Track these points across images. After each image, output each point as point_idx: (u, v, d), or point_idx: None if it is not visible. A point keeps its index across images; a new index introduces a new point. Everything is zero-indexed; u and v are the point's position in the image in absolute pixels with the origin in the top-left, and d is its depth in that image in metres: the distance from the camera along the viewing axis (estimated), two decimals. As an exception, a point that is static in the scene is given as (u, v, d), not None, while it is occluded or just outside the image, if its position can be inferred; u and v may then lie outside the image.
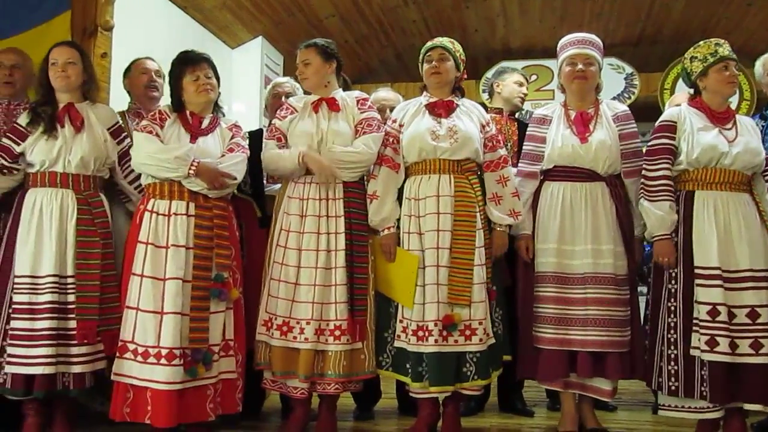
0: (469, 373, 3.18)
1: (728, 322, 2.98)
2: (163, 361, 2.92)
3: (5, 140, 3.19)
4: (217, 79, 3.28)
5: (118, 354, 3.01)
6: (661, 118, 3.31)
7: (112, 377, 3.01)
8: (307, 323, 3.15)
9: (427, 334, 3.15)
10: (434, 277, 3.18)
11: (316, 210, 3.23)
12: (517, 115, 4.10)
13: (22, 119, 3.23)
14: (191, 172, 3.04)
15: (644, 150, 3.35)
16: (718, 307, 3.00)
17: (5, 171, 3.18)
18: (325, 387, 3.21)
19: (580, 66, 3.34)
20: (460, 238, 3.20)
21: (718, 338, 2.98)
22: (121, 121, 3.43)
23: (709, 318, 3.00)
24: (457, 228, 3.21)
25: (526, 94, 4.07)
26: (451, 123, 3.31)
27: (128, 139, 3.33)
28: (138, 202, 3.26)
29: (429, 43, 3.42)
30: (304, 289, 3.18)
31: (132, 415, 2.97)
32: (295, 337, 3.17)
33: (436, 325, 3.14)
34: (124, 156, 3.30)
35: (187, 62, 3.22)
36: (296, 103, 3.41)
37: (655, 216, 3.16)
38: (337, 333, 3.17)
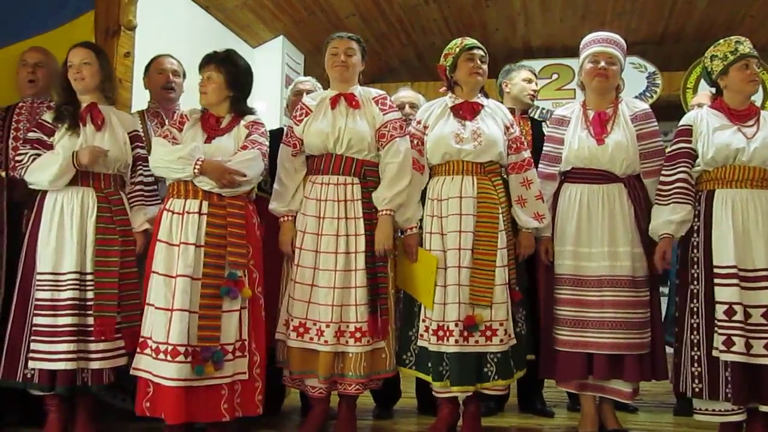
0: (490, 373, 3.18)
1: (744, 322, 2.96)
2: (168, 357, 2.94)
3: (33, 134, 3.22)
4: (233, 78, 3.24)
5: (138, 349, 3.05)
6: (679, 124, 3.29)
7: (132, 371, 3.04)
8: (327, 326, 3.14)
9: (448, 334, 3.15)
10: (456, 278, 3.18)
11: (335, 212, 3.22)
12: (537, 115, 4.08)
13: (47, 116, 3.26)
14: (196, 170, 3.05)
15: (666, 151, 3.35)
16: (734, 307, 2.97)
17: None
18: (345, 387, 3.22)
19: (602, 64, 3.31)
20: (482, 239, 3.20)
21: (734, 338, 2.95)
22: (140, 129, 3.44)
23: (725, 318, 2.98)
24: (479, 229, 3.21)
25: (536, 90, 3.99)
26: (476, 126, 3.30)
27: (140, 150, 3.35)
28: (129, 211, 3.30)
29: (468, 42, 3.38)
30: (324, 292, 3.17)
31: (151, 409, 2.99)
32: (311, 339, 3.17)
33: (456, 325, 3.14)
34: (133, 163, 3.33)
35: (200, 64, 3.25)
36: (311, 102, 3.39)
37: (658, 218, 3.18)
38: (358, 335, 3.16)
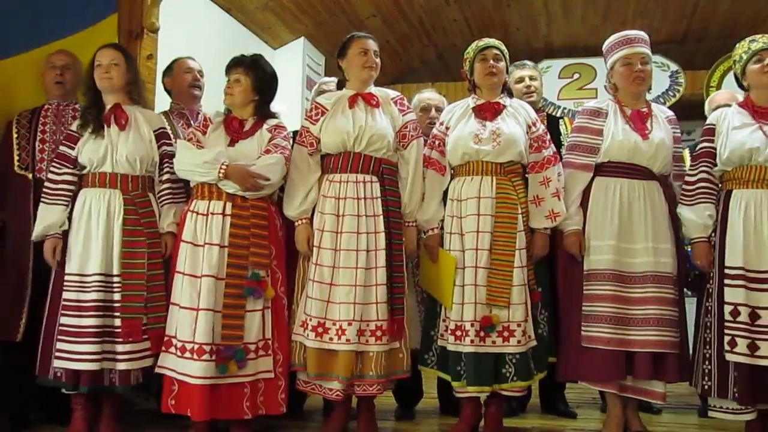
0: (508, 374, 3.16)
1: (749, 323, 2.95)
2: (194, 356, 2.98)
3: (63, 148, 3.27)
4: (259, 82, 3.28)
5: (163, 348, 3.08)
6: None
7: (156, 369, 3.08)
8: (349, 324, 3.12)
9: (464, 334, 3.15)
10: (472, 278, 3.17)
11: (355, 209, 3.21)
12: (558, 114, 4.05)
13: (74, 125, 3.31)
14: (221, 174, 3.08)
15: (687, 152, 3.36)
16: (739, 308, 2.98)
17: (70, 196, 3.22)
18: (366, 388, 3.19)
19: (639, 66, 3.29)
20: (500, 239, 3.18)
21: (737, 339, 2.96)
22: (168, 128, 3.46)
23: (731, 318, 2.99)
24: (497, 230, 3.19)
25: (529, 86, 3.90)
26: (495, 126, 3.28)
27: (167, 147, 3.36)
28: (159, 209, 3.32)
29: (482, 43, 3.38)
30: (345, 290, 3.15)
31: (176, 407, 3.04)
32: (331, 339, 3.15)
33: (472, 325, 3.13)
34: (160, 161, 3.35)
35: (228, 66, 3.29)
36: (326, 101, 3.37)
37: (688, 220, 3.17)
38: (379, 333, 3.16)
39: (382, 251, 3.20)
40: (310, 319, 3.18)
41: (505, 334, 3.15)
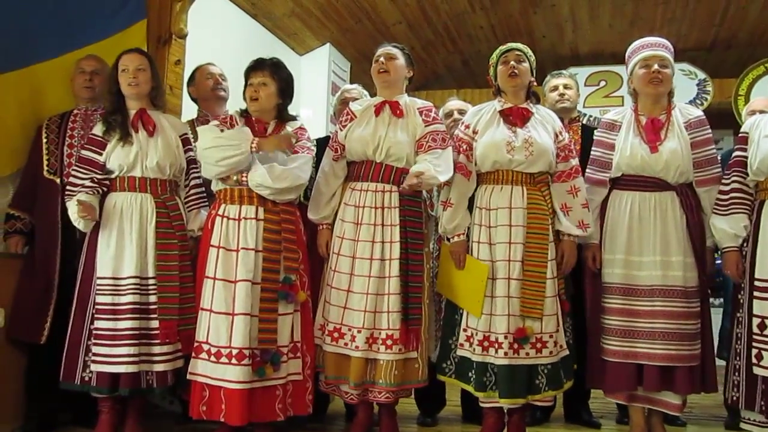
0: (541, 385, 3.14)
1: None
2: (233, 361, 2.99)
3: (86, 152, 3.27)
4: (285, 85, 3.30)
5: (193, 354, 3.09)
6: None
7: (189, 376, 3.08)
8: (359, 331, 3.16)
9: (497, 346, 3.12)
10: (505, 290, 3.14)
11: (372, 218, 3.23)
12: (584, 122, 4.03)
13: (97, 129, 3.30)
14: (253, 147, 3.10)
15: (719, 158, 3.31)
16: (766, 321, 2.94)
17: (98, 189, 3.21)
18: (376, 395, 3.22)
19: (655, 67, 3.24)
20: (533, 250, 3.16)
21: (763, 352, 2.93)
22: (190, 133, 3.48)
23: (758, 331, 2.96)
24: (529, 240, 3.16)
25: (563, 94, 3.88)
26: (527, 134, 3.25)
27: (191, 153, 3.40)
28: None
29: (504, 47, 3.36)
30: (357, 297, 3.19)
31: (208, 413, 3.04)
32: (346, 344, 3.19)
33: (506, 338, 3.11)
34: (186, 167, 3.38)
35: (249, 69, 3.29)
36: (357, 107, 3.42)
37: (720, 230, 3.14)
38: (389, 342, 3.16)
39: (396, 261, 3.20)
40: (328, 324, 3.24)
41: (538, 345, 3.13)
